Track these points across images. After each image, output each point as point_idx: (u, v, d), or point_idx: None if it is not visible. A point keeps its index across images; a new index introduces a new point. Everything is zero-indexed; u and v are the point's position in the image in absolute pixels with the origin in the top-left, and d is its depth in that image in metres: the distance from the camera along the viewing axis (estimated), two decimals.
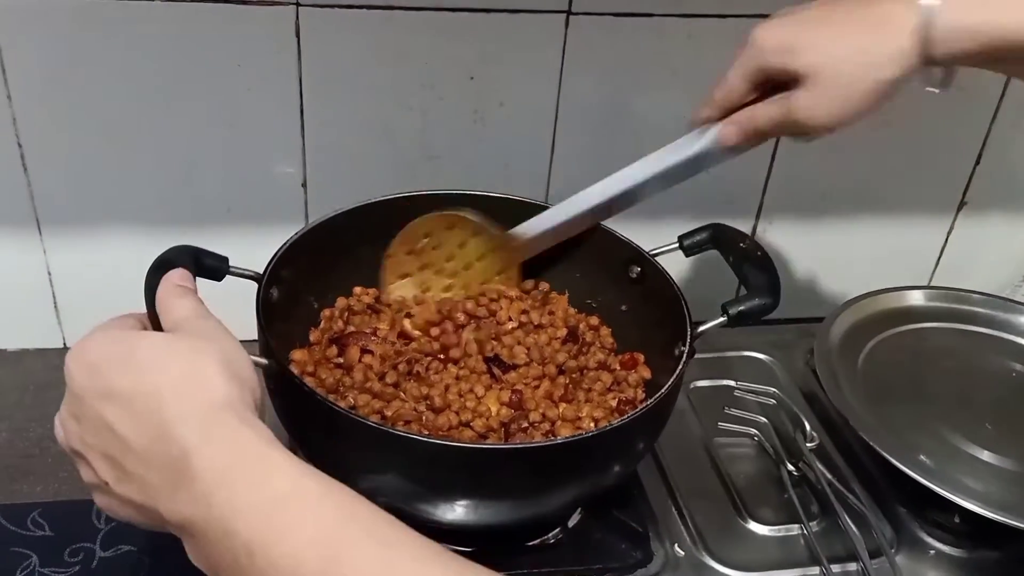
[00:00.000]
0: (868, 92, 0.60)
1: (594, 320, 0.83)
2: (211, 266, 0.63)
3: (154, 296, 0.55)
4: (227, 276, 0.65)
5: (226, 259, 0.64)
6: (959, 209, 1.04)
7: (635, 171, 0.73)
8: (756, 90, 0.65)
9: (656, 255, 0.78)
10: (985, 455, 0.82)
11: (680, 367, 0.67)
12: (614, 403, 0.74)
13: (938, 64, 0.59)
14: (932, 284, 1.09)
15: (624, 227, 0.80)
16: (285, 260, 0.71)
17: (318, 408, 0.59)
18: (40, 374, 0.88)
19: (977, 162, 1.01)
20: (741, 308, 0.71)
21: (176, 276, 0.55)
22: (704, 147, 0.69)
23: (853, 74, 0.59)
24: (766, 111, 0.64)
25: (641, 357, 0.79)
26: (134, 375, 0.44)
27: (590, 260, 0.82)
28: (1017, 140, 1.00)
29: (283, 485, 0.41)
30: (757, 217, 0.99)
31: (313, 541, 0.39)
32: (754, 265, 0.74)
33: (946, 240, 1.07)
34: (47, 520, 0.72)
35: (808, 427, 0.86)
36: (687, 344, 0.69)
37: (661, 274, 0.76)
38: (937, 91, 0.63)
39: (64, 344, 0.91)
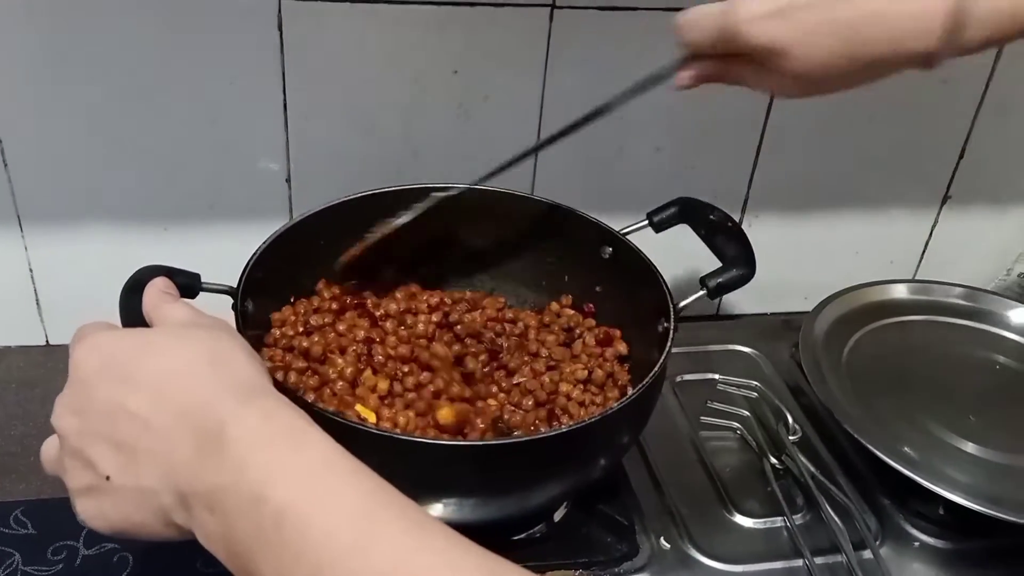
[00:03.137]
0: (858, 69, 0.56)
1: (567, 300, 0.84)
2: (183, 284, 0.61)
3: (131, 316, 0.55)
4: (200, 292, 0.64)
5: (198, 276, 0.63)
6: (943, 203, 1.05)
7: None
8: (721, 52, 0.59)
9: (627, 234, 0.78)
10: (969, 447, 0.82)
11: (668, 345, 0.67)
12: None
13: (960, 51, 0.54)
14: (916, 277, 1.09)
15: (599, 214, 0.80)
16: (257, 271, 0.69)
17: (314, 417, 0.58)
18: (22, 372, 0.87)
19: (961, 156, 1.01)
20: (720, 280, 0.72)
21: (161, 283, 0.55)
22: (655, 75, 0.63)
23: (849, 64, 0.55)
24: (741, 75, 0.59)
25: (617, 332, 0.79)
26: (155, 359, 0.44)
27: (560, 243, 0.82)
28: (1000, 134, 1.00)
29: (319, 458, 0.41)
30: (743, 211, 0.99)
31: (348, 515, 0.39)
32: (727, 236, 0.74)
33: (930, 234, 1.07)
34: (30, 518, 0.72)
35: (791, 420, 0.87)
36: (671, 321, 0.69)
37: (634, 252, 0.76)
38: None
39: (47, 341, 0.90)
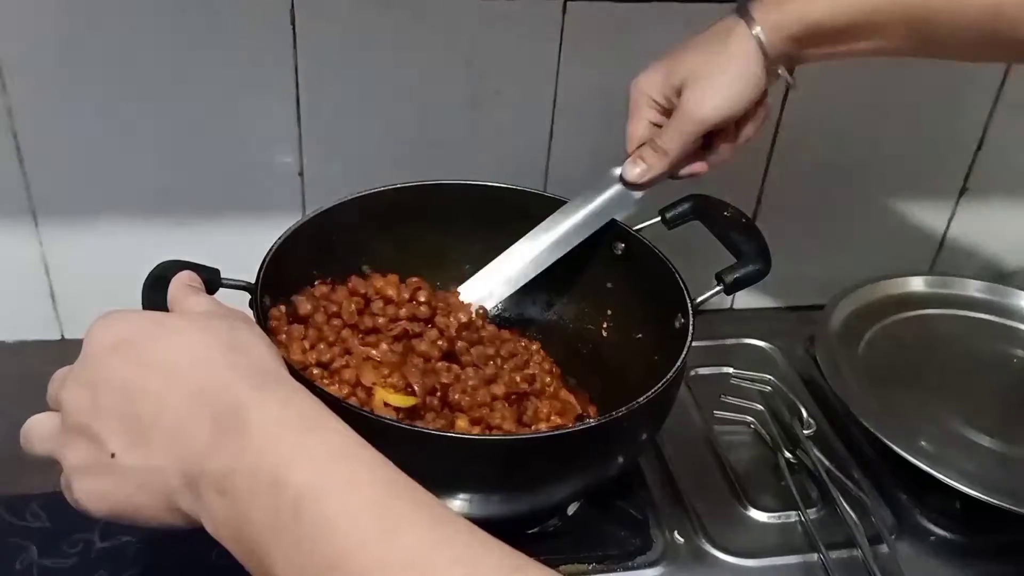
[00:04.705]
0: (738, 84, 0.69)
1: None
2: (203, 279, 0.62)
3: (153, 309, 0.55)
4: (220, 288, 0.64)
5: (217, 271, 0.63)
6: (960, 195, 1.04)
7: (553, 227, 0.79)
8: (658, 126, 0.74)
9: (639, 230, 0.78)
10: (986, 441, 0.82)
11: (688, 341, 0.67)
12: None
13: (782, 60, 0.69)
14: (933, 270, 1.08)
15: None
16: (274, 267, 0.69)
17: (338, 411, 0.58)
18: (38, 366, 0.86)
19: (978, 148, 1.00)
20: (736, 275, 0.71)
21: (186, 277, 0.55)
22: (615, 191, 0.77)
23: (721, 71, 0.69)
24: (662, 128, 0.72)
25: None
26: (173, 341, 0.44)
27: None
28: (1018, 126, 0.99)
29: (338, 445, 0.41)
30: (757, 204, 0.99)
31: (368, 504, 0.38)
32: (741, 232, 0.74)
33: (947, 226, 1.06)
34: (45, 511, 0.72)
35: (805, 414, 0.86)
36: (689, 317, 0.69)
37: (648, 248, 0.76)
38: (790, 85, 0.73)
39: (62, 336, 0.91)
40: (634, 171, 0.74)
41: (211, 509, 0.41)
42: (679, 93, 0.70)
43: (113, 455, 0.42)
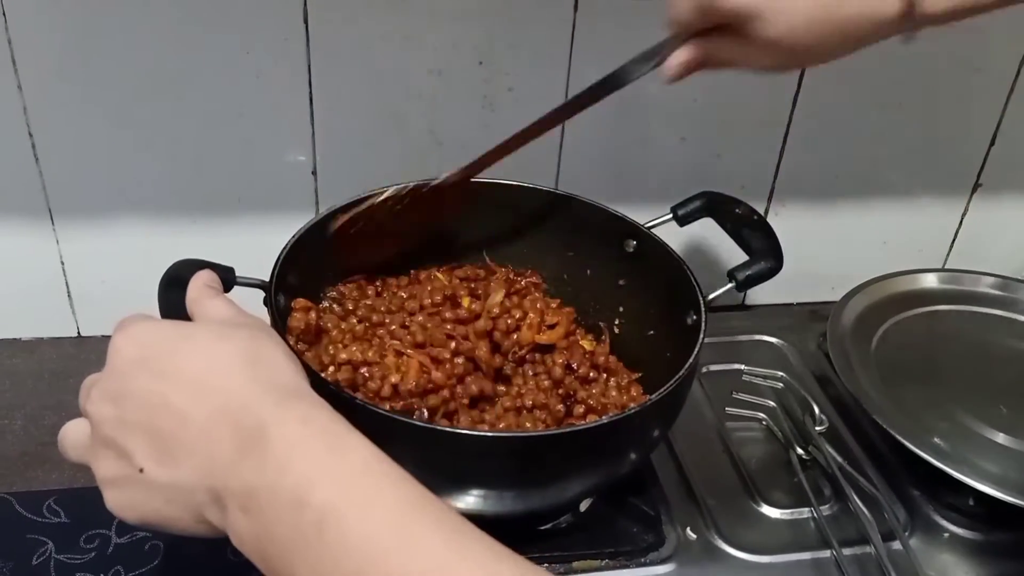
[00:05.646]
0: (833, 33, 0.56)
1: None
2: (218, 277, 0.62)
3: (170, 308, 0.55)
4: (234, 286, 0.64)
5: (232, 269, 0.63)
6: (973, 191, 1.03)
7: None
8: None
9: (651, 227, 0.78)
10: (1000, 437, 0.82)
11: (700, 338, 0.67)
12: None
13: (921, 22, 0.56)
14: (946, 267, 1.08)
15: (623, 206, 0.80)
16: (288, 265, 0.70)
17: (356, 411, 0.56)
18: (55, 363, 0.88)
19: (992, 144, 1.00)
20: (748, 273, 0.71)
21: (206, 277, 0.55)
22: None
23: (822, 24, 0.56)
24: (722, 52, 0.61)
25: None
26: (196, 354, 0.44)
27: (583, 237, 0.82)
28: None
29: (359, 462, 0.41)
30: (769, 200, 0.99)
31: (388, 520, 0.39)
32: (753, 229, 0.74)
33: (960, 222, 1.06)
34: (63, 507, 0.73)
35: (818, 411, 0.86)
36: (701, 314, 0.69)
37: (659, 245, 0.76)
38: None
39: (78, 333, 0.91)
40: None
41: (235, 525, 0.41)
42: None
43: (142, 470, 0.43)
